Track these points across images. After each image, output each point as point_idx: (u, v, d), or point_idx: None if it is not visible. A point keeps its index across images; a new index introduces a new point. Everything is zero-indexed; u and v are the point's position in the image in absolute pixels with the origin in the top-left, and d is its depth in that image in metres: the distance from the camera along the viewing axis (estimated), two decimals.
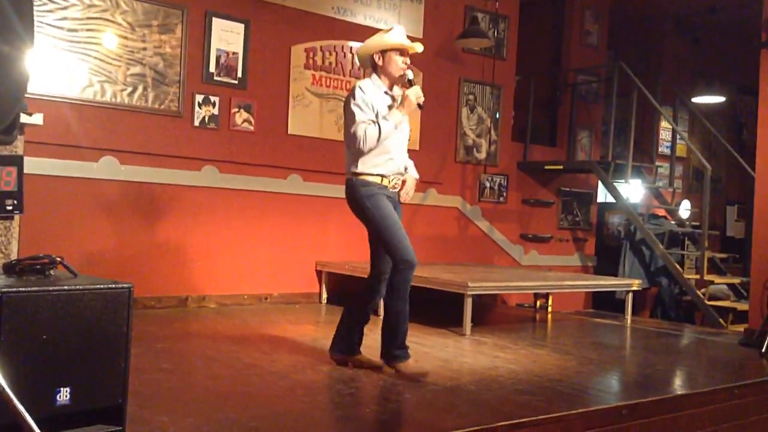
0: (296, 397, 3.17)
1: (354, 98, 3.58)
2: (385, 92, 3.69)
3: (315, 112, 6.24)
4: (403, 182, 3.76)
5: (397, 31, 3.71)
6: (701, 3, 8.61)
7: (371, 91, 3.62)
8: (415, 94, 3.64)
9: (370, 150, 3.55)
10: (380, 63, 3.68)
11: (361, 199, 3.60)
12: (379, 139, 3.53)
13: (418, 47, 3.74)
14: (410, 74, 3.72)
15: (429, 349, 4.40)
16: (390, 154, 3.64)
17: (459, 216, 7.32)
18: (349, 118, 3.59)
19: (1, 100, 1.84)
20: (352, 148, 3.59)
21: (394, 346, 3.62)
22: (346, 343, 3.78)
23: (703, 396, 3.61)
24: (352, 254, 6.39)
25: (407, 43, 3.71)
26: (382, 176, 3.63)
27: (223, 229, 5.79)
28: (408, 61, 3.70)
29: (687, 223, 8.42)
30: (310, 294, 6.25)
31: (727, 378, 4.11)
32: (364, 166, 3.59)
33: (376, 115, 3.57)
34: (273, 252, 6.03)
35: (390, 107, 3.65)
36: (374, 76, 3.72)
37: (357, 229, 6.39)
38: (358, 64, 3.78)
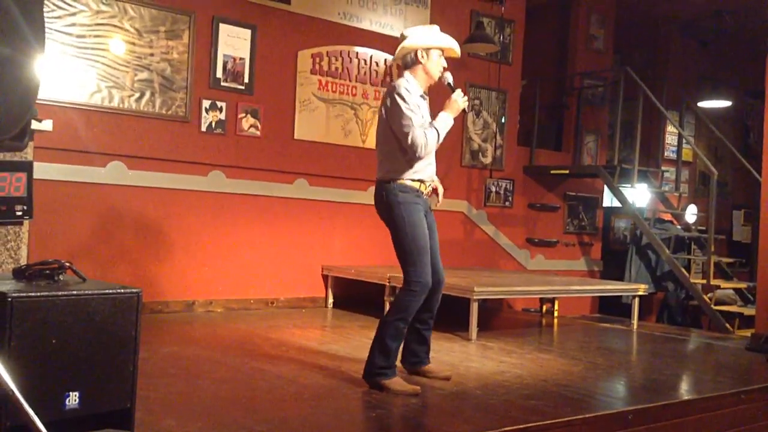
0: (303, 401, 3.18)
1: (404, 100, 3.37)
2: (421, 95, 3.52)
3: (321, 117, 6.26)
4: (434, 188, 3.64)
5: (440, 32, 3.58)
6: (707, 7, 8.60)
7: (415, 93, 3.47)
8: (462, 98, 3.54)
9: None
10: (423, 60, 3.51)
11: (398, 206, 3.43)
12: (437, 144, 3.44)
13: (458, 52, 3.65)
14: (450, 77, 3.61)
15: (435, 354, 4.39)
16: (429, 158, 3.55)
17: (465, 220, 7.32)
18: (401, 120, 3.37)
19: (12, 107, 1.86)
20: (396, 153, 3.43)
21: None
22: (403, 355, 3.66)
23: (709, 401, 3.61)
24: (358, 258, 6.41)
25: (456, 47, 3.60)
26: (421, 181, 3.50)
27: (229, 233, 5.81)
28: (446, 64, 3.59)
29: (693, 227, 8.40)
30: (316, 298, 6.27)
31: (734, 383, 4.10)
32: (403, 171, 3.45)
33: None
34: (279, 256, 6.05)
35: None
36: (408, 75, 3.52)
37: (363, 233, 6.46)
38: (396, 56, 3.61)
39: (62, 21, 5.01)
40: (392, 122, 3.42)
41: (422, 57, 3.52)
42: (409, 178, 3.46)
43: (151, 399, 2.93)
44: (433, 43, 3.55)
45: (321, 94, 6.26)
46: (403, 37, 3.58)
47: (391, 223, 3.47)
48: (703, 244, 7.72)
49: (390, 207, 3.46)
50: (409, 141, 3.37)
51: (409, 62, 3.55)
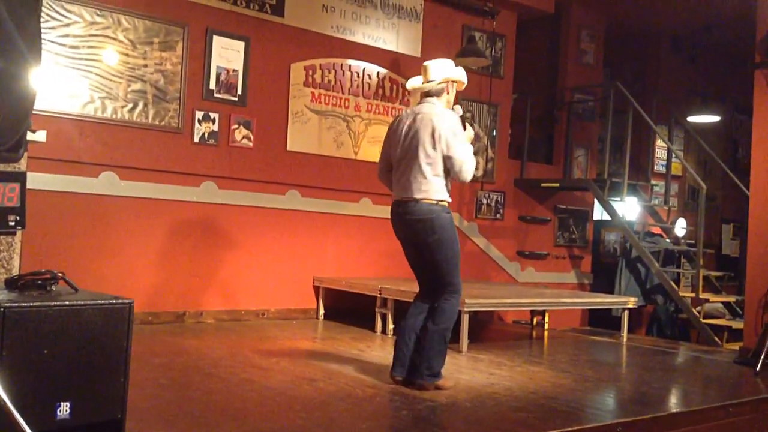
0: (293, 413, 3.19)
1: (462, 128, 3.71)
2: None
3: (314, 129, 6.29)
4: None
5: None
6: (697, 22, 8.71)
7: None
8: (470, 135, 3.83)
9: None
10: (448, 92, 3.80)
11: (448, 226, 3.68)
12: None
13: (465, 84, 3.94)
14: (461, 110, 3.87)
15: None
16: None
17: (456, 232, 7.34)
18: (463, 146, 3.65)
19: (7, 119, 1.87)
20: (442, 174, 3.64)
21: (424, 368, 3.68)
22: (398, 365, 3.81)
23: (698, 414, 3.63)
24: (349, 270, 6.43)
25: (466, 80, 3.91)
26: (449, 201, 3.77)
27: (221, 244, 5.81)
28: None
29: (682, 241, 8.46)
30: (307, 309, 6.27)
31: (722, 396, 4.13)
32: (446, 193, 3.71)
33: None
34: (270, 267, 6.06)
35: None
36: (437, 101, 3.77)
37: (355, 244, 6.48)
38: (427, 80, 3.78)
39: (56, 32, 5.03)
40: (452, 146, 3.62)
41: (450, 88, 3.82)
42: (448, 200, 3.73)
43: (142, 409, 2.93)
44: (458, 77, 3.85)
45: (314, 106, 6.29)
46: (426, 68, 3.81)
47: (437, 240, 3.65)
48: (692, 258, 7.77)
49: (442, 226, 3.65)
50: (469, 167, 3.66)
51: (437, 91, 3.79)
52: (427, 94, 3.79)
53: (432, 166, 3.63)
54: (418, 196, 3.64)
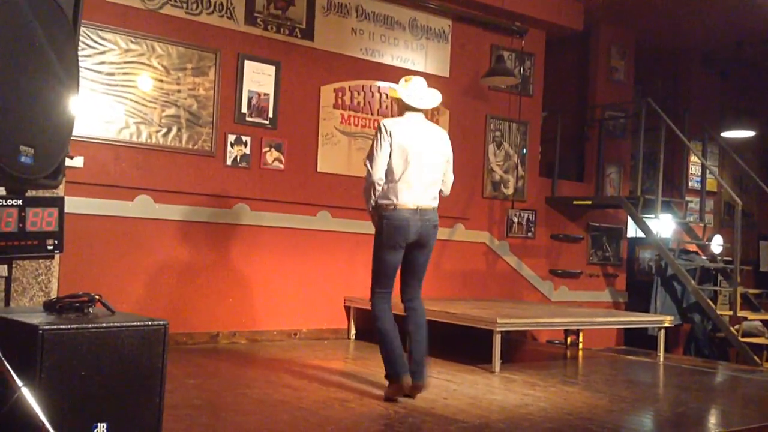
0: None
1: None
2: None
3: (344, 150, 6.34)
4: None
5: None
6: (728, 37, 8.61)
7: None
8: None
9: None
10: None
11: None
12: None
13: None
14: None
15: (458, 386, 4.39)
16: None
17: (487, 251, 7.32)
18: (451, 166, 4.10)
19: (46, 146, 1.93)
20: (444, 192, 4.11)
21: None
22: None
23: None
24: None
25: None
26: None
27: (253, 265, 5.86)
28: None
29: (719, 258, 8.30)
30: (338, 330, 6.28)
31: (762, 416, 4.03)
32: None
33: None
34: (302, 288, 6.09)
35: None
36: (427, 120, 4.13)
37: None
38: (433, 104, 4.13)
39: (92, 59, 5.16)
40: (450, 161, 4.10)
41: None
42: None
43: (176, 431, 2.96)
44: None
45: (343, 127, 6.35)
46: (426, 86, 4.08)
47: (433, 244, 4.03)
48: (729, 275, 7.62)
49: (437, 230, 4.02)
50: (452, 181, 4.14)
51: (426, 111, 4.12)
52: (416, 109, 3.98)
53: (439, 179, 4.04)
54: (435, 204, 3.99)
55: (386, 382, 3.91)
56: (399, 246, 3.88)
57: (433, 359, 5.30)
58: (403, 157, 3.84)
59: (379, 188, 3.87)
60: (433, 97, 4.02)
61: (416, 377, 3.83)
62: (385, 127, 3.87)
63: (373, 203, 3.90)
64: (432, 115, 6.83)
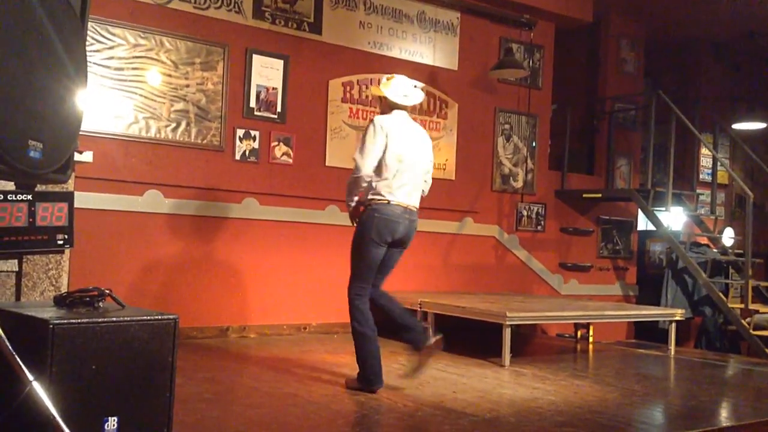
0: (336, 427, 3.19)
1: None
2: None
3: (352, 145, 6.32)
4: None
5: None
6: (739, 29, 8.54)
7: None
8: None
9: None
10: None
11: None
12: None
13: None
14: None
15: (467, 380, 4.38)
16: None
17: (496, 245, 7.30)
18: (432, 169, 4.21)
19: (55, 141, 1.93)
20: (424, 192, 4.12)
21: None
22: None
23: (749, 428, 3.53)
24: (389, 284, 6.40)
25: None
26: None
27: (262, 259, 5.87)
28: None
29: (730, 251, 8.25)
30: (347, 324, 6.24)
31: None
32: None
33: None
34: (311, 282, 6.09)
35: None
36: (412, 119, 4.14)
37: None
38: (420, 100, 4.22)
39: (101, 54, 5.17)
40: (432, 163, 4.17)
41: None
42: None
43: (187, 424, 2.97)
44: None
45: (352, 121, 6.33)
46: (411, 82, 4.10)
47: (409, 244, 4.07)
48: (741, 268, 7.57)
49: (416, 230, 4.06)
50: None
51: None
52: (402, 107, 3.97)
53: (423, 181, 4.08)
54: (418, 205, 4.00)
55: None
56: (385, 242, 3.86)
57: (443, 353, 5.31)
58: (397, 156, 3.84)
59: (365, 184, 3.85)
60: (417, 94, 4.03)
61: (422, 341, 3.88)
62: (380, 123, 3.86)
63: (355, 198, 3.89)
64: (441, 108, 6.83)
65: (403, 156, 3.86)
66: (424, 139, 4.05)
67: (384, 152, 3.82)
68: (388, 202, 3.82)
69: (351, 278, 3.93)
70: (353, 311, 3.90)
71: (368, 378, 3.83)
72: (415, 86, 4.06)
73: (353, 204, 3.91)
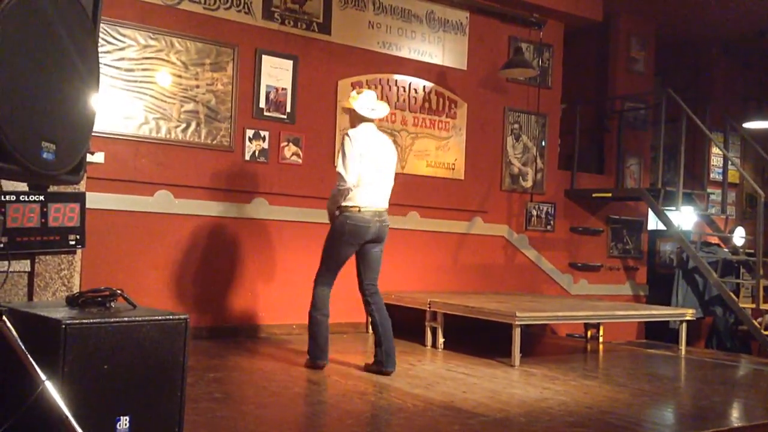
0: (345, 426, 3.20)
1: None
2: None
3: None
4: None
5: None
6: (749, 27, 8.49)
7: None
8: None
9: None
10: None
11: None
12: None
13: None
14: None
15: (477, 380, 4.38)
16: None
17: (506, 245, 7.30)
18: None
19: (68, 142, 1.95)
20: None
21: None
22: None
23: (761, 429, 3.51)
24: (398, 283, 6.43)
25: None
26: None
27: (272, 259, 5.89)
28: None
29: (741, 250, 8.21)
30: (357, 324, 6.29)
31: None
32: None
33: None
34: None
35: None
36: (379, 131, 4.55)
37: (403, 258, 6.48)
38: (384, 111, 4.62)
39: (111, 55, 5.19)
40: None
41: None
42: None
43: (197, 423, 2.99)
44: None
45: None
46: (377, 99, 4.54)
47: (385, 240, 4.45)
48: (752, 268, 7.54)
49: (388, 227, 4.47)
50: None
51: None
52: (369, 120, 4.36)
53: (391, 184, 4.47)
54: (387, 207, 4.41)
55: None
56: (356, 243, 4.34)
57: (452, 353, 5.32)
58: (366, 164, 4.24)
59: (347, 192, 4.26)
60: (383, 109, 4.48)
61: (388, 366, 4.32)
62: (353, 135, 4.27)
63: (338, 209, 4.31)
64: (450, 108, 6.83)
65: (372, 163, 4.27)
66: (388, 146, 4.47)
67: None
68: (359, 209, 4.26)
69: (319, 269, 4.48)
70: (313, 296, 4.44)
71: (314, 353, 4.42)
72: (380, 101, 4.51)
73: (337, 213, 4.34)
